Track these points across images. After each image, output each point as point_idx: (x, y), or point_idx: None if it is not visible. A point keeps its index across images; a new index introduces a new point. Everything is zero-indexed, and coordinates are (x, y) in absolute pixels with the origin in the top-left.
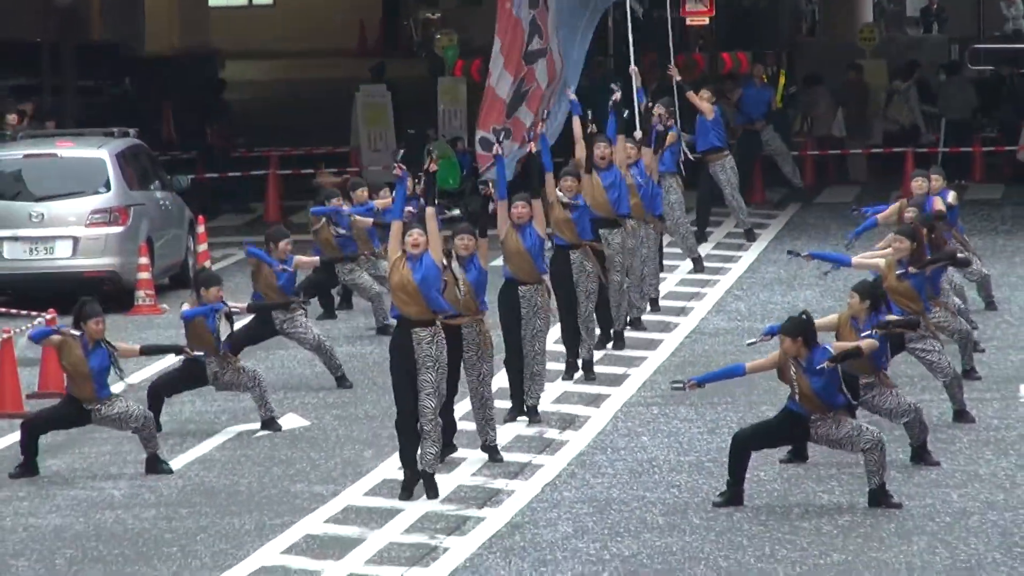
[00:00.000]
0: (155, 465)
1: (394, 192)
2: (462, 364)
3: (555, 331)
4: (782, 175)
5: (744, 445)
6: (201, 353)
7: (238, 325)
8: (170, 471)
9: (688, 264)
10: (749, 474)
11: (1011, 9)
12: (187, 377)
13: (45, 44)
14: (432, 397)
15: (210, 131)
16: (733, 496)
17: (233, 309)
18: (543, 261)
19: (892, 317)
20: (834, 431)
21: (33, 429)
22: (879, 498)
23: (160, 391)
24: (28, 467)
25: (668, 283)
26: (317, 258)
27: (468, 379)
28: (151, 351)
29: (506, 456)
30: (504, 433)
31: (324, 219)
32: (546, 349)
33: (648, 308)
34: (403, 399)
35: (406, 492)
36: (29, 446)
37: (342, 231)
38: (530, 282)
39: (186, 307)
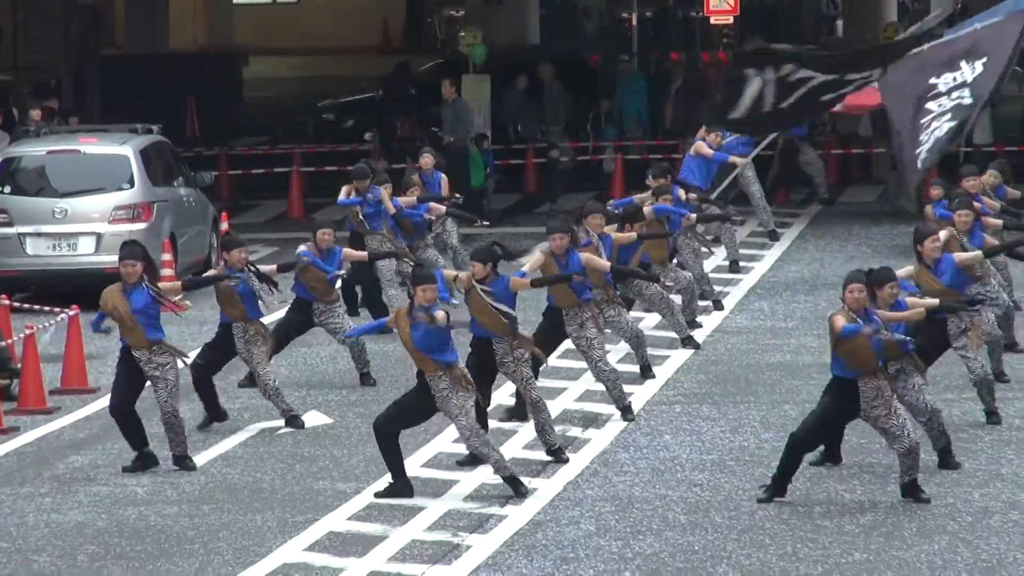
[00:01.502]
0: (181, 462)
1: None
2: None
3: None
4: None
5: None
6: (239, 279)
7: (274, 319)
8: (194, 467)
9: (710, 265)
10: (771, 472)
11: None
12: (220, 350)
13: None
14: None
15: (400, 124)
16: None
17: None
18: None
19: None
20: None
21: (123, 416)
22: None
23: (204, 377)
24: (143, 458)
25: None
26: (366, 253)
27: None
28: (193, 285)
29: (528, 454)
30: (526, 432)
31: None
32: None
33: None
34: None
35: None
36: (128, 432)
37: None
38: None
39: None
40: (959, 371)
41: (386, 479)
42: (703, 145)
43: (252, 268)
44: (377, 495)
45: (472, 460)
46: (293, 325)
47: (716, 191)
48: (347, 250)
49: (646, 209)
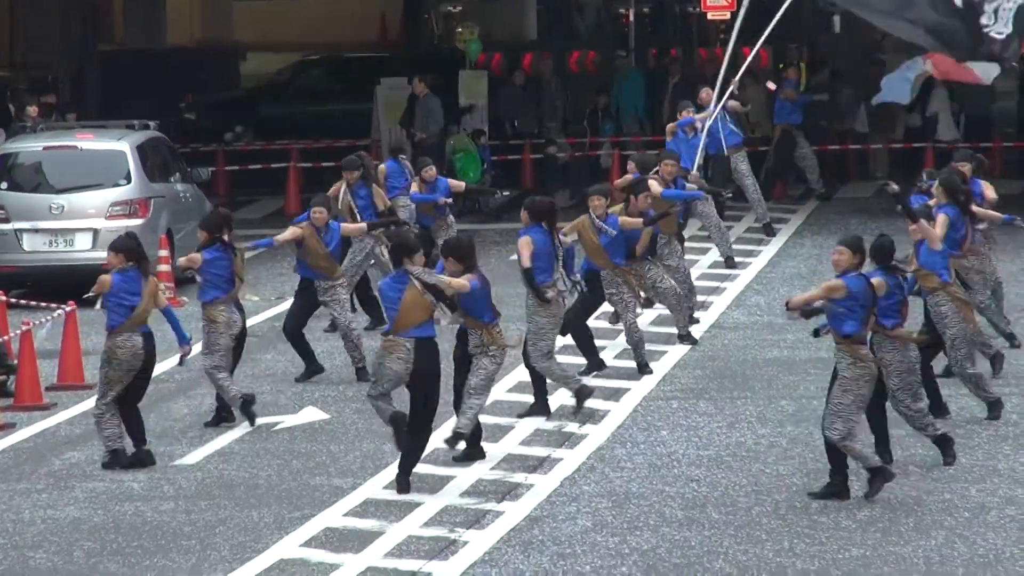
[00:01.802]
0: (116, 460)
1: None
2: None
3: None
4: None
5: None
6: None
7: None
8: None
9: (708, 260)
10: (768, 468)
11: None
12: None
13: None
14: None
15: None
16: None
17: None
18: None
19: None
20: None
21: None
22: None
23: (218, 375)
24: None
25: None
26: (364, 224)
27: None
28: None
29: (525, 450)
30: (524, 427)
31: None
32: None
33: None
34: None
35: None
36: (134, 432)
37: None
38: None
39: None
40: None
41: (383, 477)
42: (671, 124)
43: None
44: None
45: (467, 456)
46: (303, 310)
47: (694, 166)
48: (345, 224)
49: (654, 188)
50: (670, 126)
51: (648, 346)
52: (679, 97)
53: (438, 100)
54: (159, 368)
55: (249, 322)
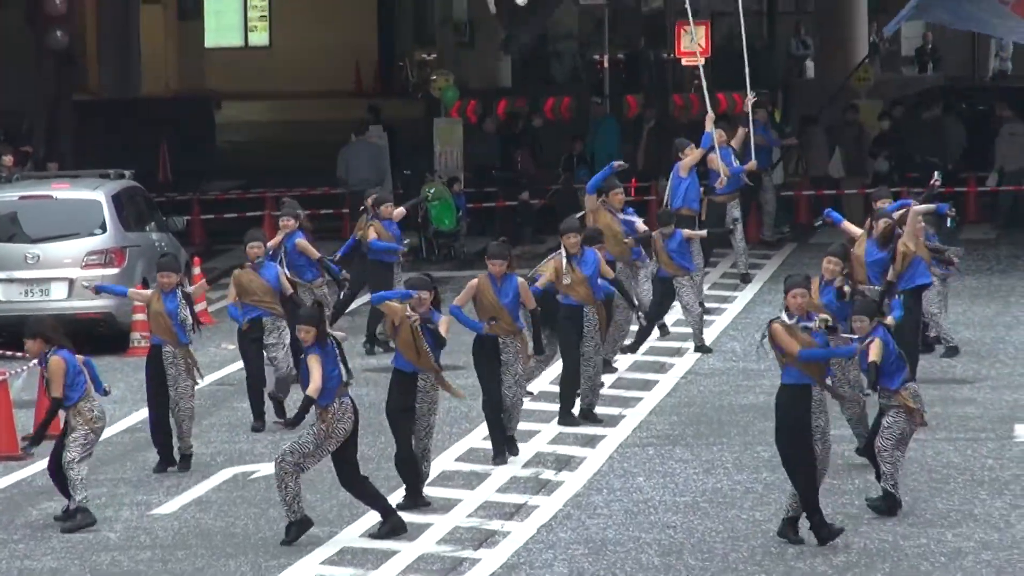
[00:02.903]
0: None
1: None
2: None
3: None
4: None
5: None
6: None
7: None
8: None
9: (672, 316)
10: (744, 514)
11: (1000, 52)
12: (158, 395)
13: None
14: None
15: (520, 157)
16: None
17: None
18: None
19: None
20: None
21: (55, 473)
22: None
23: (160, 429)
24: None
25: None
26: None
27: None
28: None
29: (502, 497)
30: (499, 474)
31: None
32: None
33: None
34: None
35: None
36: (61, 487)
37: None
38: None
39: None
40: (932, 411)
41: (359, 525)
42: (687, 159)
43: (184, 294)
44: (372, 535)
45: (388, 531)
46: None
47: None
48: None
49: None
50: (686, 161)
51: (624, 392)
52: (653, 143)
53: (372, 147)
54: (135, 418)
55: (224, 371)
